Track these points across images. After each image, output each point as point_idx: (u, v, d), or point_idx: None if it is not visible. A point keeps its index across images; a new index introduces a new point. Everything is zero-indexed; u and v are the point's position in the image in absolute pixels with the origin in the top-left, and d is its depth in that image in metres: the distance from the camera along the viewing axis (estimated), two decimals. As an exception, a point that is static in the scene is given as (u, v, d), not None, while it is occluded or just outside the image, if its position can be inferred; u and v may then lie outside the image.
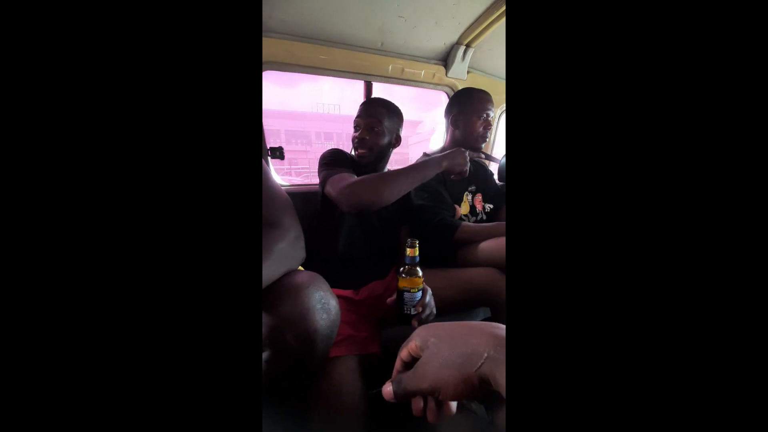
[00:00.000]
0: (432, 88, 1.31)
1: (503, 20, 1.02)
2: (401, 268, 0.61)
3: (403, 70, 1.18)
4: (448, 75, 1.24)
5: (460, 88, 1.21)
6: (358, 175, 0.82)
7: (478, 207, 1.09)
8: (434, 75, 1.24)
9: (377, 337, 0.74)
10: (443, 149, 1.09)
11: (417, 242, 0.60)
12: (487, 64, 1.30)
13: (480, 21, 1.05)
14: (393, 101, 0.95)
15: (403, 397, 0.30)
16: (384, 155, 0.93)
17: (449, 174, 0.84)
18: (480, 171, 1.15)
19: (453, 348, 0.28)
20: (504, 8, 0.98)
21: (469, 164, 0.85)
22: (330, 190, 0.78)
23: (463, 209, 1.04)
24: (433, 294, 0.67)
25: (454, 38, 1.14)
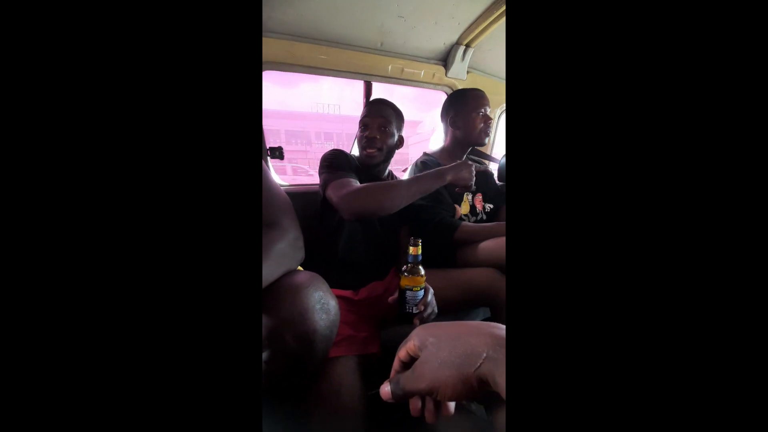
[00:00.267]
0: (432, 88, 1.31)
1: (503, 20, 1.03)
2: (403, 267, 0.61)
3: (402, 70, 1.18)
4: (448, 75, 1.24)
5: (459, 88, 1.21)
6: (359, 178, 0.82)
7: (478, 207, 1.09)
8: (434, 75, 1.24)
9: (377, 338, 0.74)
10: (443, 149, 1.09)
11: (420, 241, 0.60)
12: (487, 64, 1.30)
13: (480, 21, 1.05)
14: (393, 102, 0.95)
15: (402, 398, 0.30)
16: (391, 155, 0.94)
17: (453, 187, 0.84)
18: (480, 171, 1.15)
19: (452, 348, 0.27)
20: (504, 8, 0.98)
21: (474, 178, 0.84)
22: (331, 195, 0.77)
23: (463, 209, 1.04)
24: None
25: (454, 38, 1.14)
